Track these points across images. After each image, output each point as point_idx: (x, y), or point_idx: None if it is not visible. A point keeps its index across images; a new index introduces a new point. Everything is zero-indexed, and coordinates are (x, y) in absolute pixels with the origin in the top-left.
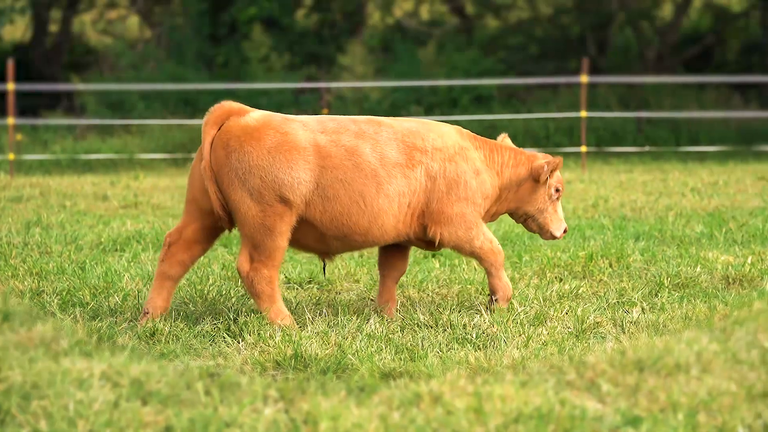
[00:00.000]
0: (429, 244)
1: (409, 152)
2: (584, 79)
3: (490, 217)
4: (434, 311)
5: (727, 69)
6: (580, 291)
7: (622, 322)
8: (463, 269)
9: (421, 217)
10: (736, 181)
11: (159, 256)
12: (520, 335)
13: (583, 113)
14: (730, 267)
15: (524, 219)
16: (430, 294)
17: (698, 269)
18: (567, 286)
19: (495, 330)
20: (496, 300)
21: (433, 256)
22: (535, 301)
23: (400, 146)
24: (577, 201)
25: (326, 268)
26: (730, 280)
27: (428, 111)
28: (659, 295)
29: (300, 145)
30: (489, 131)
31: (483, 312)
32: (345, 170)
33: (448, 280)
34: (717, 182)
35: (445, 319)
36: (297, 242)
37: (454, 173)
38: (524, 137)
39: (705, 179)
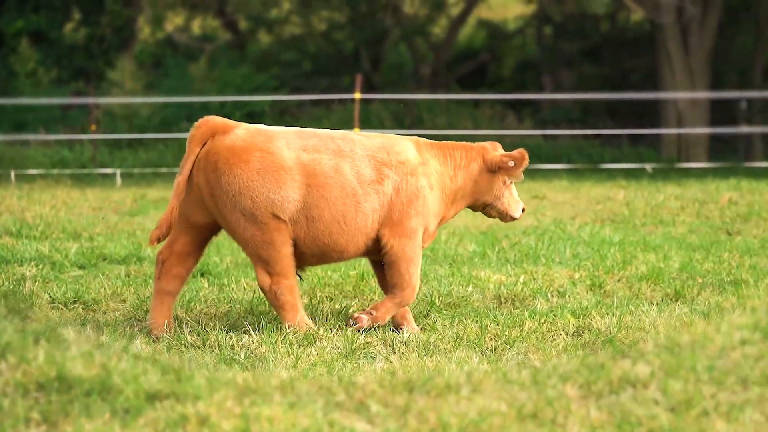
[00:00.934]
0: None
1: (378, 168)
2: (358, 95)
3: (451, 217)
4: (202, 331)
5: (501, 86)
6: (350, 311)
7: (393, 342)
8: (232, 288)
9: (379, 228)
10: None
11: (154, 274)
12: (289, 355)
13: (357, 130)
14: (502, 286)
15: (483, 208)
16: (198, 314)
17: (470, 288)
18: (338, 306)
19: (263, 350)
20: (371, 314)
21: (202, 275)
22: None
23: (371, 162)
24: None
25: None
26: (502, 299)
27: None
28: (430, 314)
29: (286, 165)
30: None
31: (251, 332)
32: (330, 189)
33: (216, 300)
34: None
35: (213, 339)
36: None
37: (414, 187)
38: None
39: None
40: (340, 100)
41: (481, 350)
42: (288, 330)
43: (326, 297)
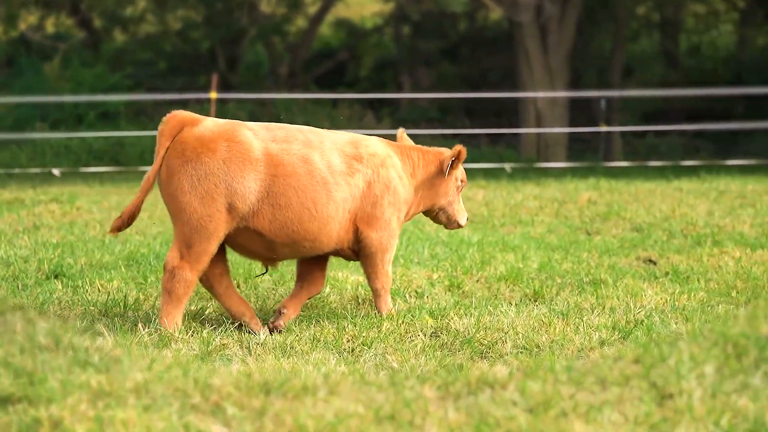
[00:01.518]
0: (354, 254)
1: (348, 161)
2: (213, 95)
3: (408, 217)
4: (55, 334)
5: (360, 86)
6: (206, 312)
7: (249, 344)
8: (87, 290)
9: (353, 221)
10: None
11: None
12: (144, 357)
13: None
14: (359, 287)
15: (436, 212)
16: (52, 316)
17: (327, 289)
18: (194, 307)
19: (118, 353)
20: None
21: (56, 277)
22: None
23: (340, 155)
24: None
25: (264, 274)
26: (360, 300)
27: (53, 127)
28: None
29: (253, 156)
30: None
31: (106, 334)
32: (298, 177)
33: (70, 302)
34: None
35: (66, 342)
36: (244, 248)
37: (386, 179)
38: (152, 155)
39: None
40: (197, 100)
41: (338, 352)
42: (158, 323)
43: None
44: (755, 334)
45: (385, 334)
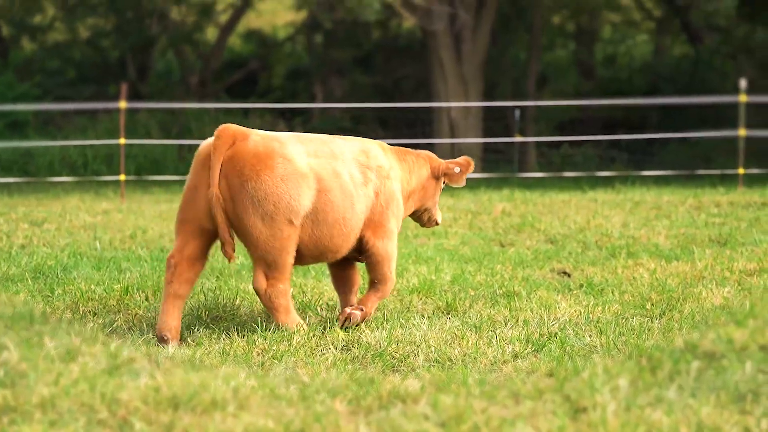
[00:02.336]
0: (357, 254)
1: (363, 171)
2: (123, 104)
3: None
4: None
5: (272, 95)
6: (114, 325)
7: (158, 357)
8: None
9: (363, 229)
10: None
11: (165, 278)
12: (50, 372)
13: (122, 140)
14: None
15: (421, 213)
16: None
17: (238, 302)
18: (101, 321)
19: (24, 367)
20: (361, 309)
21: None
22: (66, 336)
23: (356, 165)
24: (114, 232)
25: None
26: None
27: None
28: (197, 328)
29: (303, 172)
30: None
31: (11, 348)
32: (335, 193)
33: None
34: None
35: None
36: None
37: (391, 190)
38: (61, 165)
39: None
40: (106, 110)
41: (248, 365)
42: (282, 328)
43: (90, 311)
44: (670, 347)
45: (295, 347)
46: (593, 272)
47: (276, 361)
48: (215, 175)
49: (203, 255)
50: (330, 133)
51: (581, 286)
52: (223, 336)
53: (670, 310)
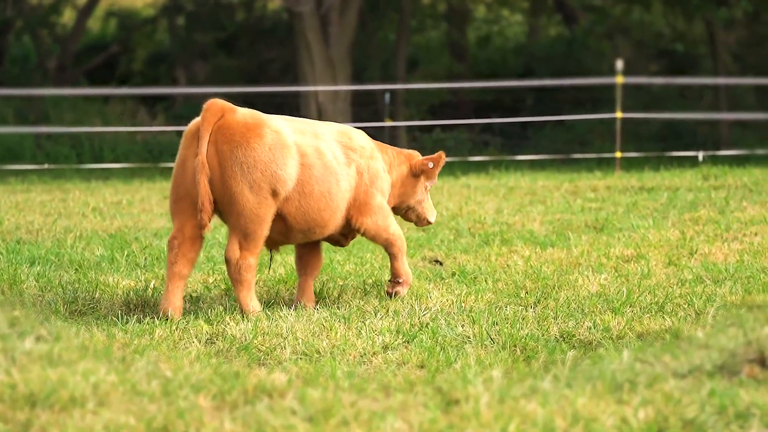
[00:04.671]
0: (343, 237)
1: (345, 151)
2: None
3: None
4: None
5: (133, 80)
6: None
7: (14, 353)
8: None
9: (348, 209)
10: (141, 200)
11: (168, 259)
12: None
13: None
14: (131, 292)
15: (405, 211)
16: None
17: (97, 295)
18: None
19: None
20: (399, 282)
21: None
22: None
23: (339, 146)
24: None
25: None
26: (132, 306)
27: None
28: (53, 322)
29: (288, 143)
30: None
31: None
32: (318, 168)
33: None
34: (121, 201)
35: None
36: (281, 233)
37: (374, 169)
38: None
39: (108, 198)
40: None
41: (108, 360)
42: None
43: None
44: (545, 336)
45: (157, 341)
46: (466, 260)
47: (137, 356)
48: (203, 143)
49: (201, 235)
50: (192, 120)
51: (454, 274)
52: (82, 330)
53: (545, 299)
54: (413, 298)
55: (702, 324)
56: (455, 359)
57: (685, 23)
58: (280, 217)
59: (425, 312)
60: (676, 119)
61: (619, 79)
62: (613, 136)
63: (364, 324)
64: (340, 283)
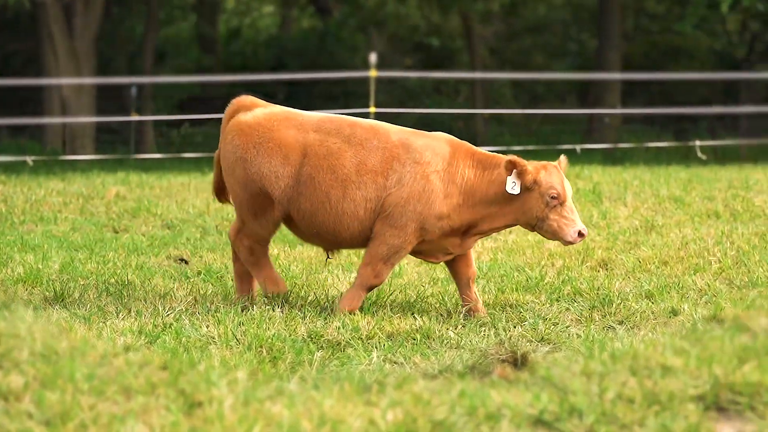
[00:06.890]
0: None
1: (388, 160)
2: None
3: (483, 234)
4: None
5: None
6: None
7: None
8: None
9: (374, 220)
10: None
11: (232, 256)
12: None
13: None
14: None
15: (532, 228)
16: None
17: None
18: None
19: None
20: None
21: None
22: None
23: (383, 155)
24: None
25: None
26: None
27: None
28: None
29: (284, 142)
30: None
31: None
32: (321, 171)
33: None
34: None
35: None
36: (301, 234)
37: (420, 187)
38: None
39: None
40: None
41: None
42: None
43: None
44: (292, 337)
45: None
46: (212, 259)
47: None
48: (221, 137)
49: None
50: None
51: (199, 273)
52: None
53: (292, 298)
54: (157, 297)
55: (454, 324)
56: (199, 360)
57: (441, 16)
58: (292, 219)
59: (169, 312)
60: (430, 114)
61: (373, 73)
62: None
63: (106, 324)
64: (82, 283)
